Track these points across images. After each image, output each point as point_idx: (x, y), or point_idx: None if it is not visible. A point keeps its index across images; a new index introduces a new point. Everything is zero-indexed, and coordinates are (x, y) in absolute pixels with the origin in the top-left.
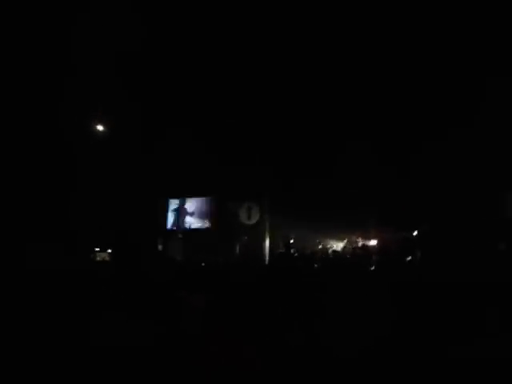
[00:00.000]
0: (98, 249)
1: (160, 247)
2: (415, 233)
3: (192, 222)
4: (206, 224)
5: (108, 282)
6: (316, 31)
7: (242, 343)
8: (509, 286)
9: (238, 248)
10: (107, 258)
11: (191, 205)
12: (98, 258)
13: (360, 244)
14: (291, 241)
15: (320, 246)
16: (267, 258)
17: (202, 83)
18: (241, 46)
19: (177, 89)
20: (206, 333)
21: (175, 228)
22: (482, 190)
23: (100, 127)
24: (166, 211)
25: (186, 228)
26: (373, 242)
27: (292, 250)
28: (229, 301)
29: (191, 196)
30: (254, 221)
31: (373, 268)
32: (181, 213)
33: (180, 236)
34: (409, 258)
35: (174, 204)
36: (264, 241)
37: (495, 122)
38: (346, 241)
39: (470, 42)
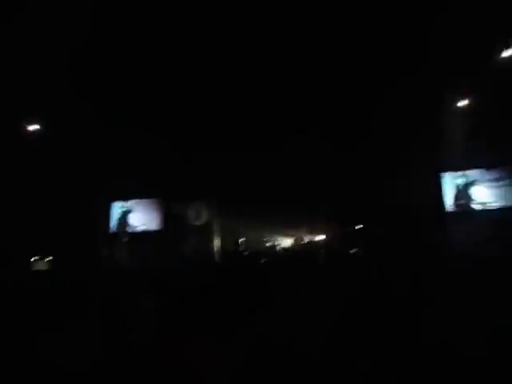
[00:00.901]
0: (36, 257)
1: (105, 252)
2: (358, 227)
3: (137, 225)
4: (153, 226)
5: (47, 293)
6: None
7: (197, 343)
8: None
9: (186, 249)
10: (46, 267)
11: (136, 207)
12: (37, 267)
13: (306, 241)
14: (241, 240)
15: (268, 244)
16: (217, 257)
17: (146, 78)
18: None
19: (120, 85)
20: (159, 338)
21: (120, 232)
22: (414, 185)
23: (35, 126)
24: (110, 214)
25: (131, 231)
26: (320, 237)
27: (241, 248)
28: (179, 304)
29: (136, 198)
30: (202, 221)
31: (320, 262)
32: (125, 216)
33: (125, 240)
34: (353, 251)
35: (118, 207)
36: (213, 241)
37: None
38: (293, 238)
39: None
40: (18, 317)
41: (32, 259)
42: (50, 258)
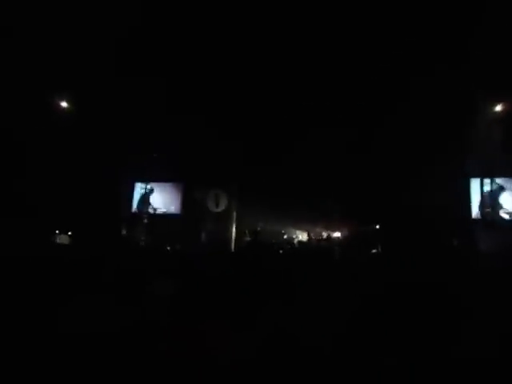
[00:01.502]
0: (58, 231)
1: (124, 231)
2: (377, 226)
3: (158, 207)
4: (172, 210)
5: (70, 267)
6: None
7: (212, 327)
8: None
9: (203, 235)
10: (67, 241)
11: (158, 190)
12: (58, 241)
13: (325, 236)
14: (258, 229)
15: (285, 237)
16: (233, 245)
17: (174, 66)
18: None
19: (147, 70)
20: (174, 319)
21: (140, 212)
22: (439, 189)
23: (64, 105)
24: (132, 195)
25: (151, 213)
26: (336, 234)
27: (259, 238)
28: (197, 288)
29: (158, 181)
30: (221, 208)
31: (337, 258)
32: (147, 197)
33: (145, 221)
34: (374, 251)
35: (140, 188)
36: (230, 229)
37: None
38: (310, 232)
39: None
40: (38, 288)
41: (55, 233)
42: (71, 233)
